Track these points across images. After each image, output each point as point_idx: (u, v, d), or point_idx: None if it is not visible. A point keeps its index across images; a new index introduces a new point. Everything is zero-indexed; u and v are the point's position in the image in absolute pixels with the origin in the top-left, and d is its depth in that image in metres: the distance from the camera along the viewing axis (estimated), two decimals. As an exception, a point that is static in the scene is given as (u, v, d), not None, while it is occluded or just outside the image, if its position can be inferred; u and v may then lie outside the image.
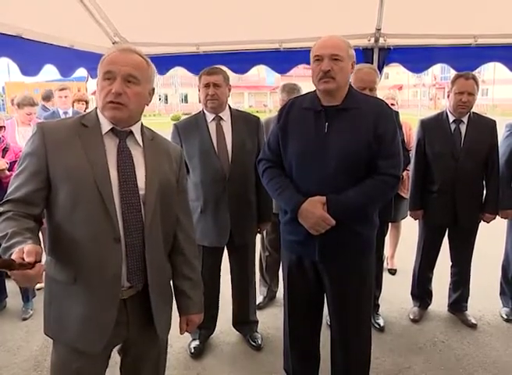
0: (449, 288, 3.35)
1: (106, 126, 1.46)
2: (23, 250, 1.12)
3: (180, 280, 1.66)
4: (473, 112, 3.01)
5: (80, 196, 1.38)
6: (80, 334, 1.44)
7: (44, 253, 1.26)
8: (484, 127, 2.99)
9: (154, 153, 1.54)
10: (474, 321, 3.21)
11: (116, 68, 1.40)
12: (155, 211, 1.49)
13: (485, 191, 3.06)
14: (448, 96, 3.04)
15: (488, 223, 3.10)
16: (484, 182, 3.05)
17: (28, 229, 1.27)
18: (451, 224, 3.06)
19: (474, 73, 3.21)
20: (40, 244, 1.23)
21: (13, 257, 1.11)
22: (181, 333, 1.71)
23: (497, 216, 3.11)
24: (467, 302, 3.30)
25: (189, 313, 1.68)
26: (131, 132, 1.50)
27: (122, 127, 1.48)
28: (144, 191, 1.46)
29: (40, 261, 1.13)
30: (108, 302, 1.44)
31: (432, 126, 3.07)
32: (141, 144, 1.52)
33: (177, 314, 1.70)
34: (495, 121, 3.04)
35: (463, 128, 2.97)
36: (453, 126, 2.99)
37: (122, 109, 1.42)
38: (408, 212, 3.33)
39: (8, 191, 1.38)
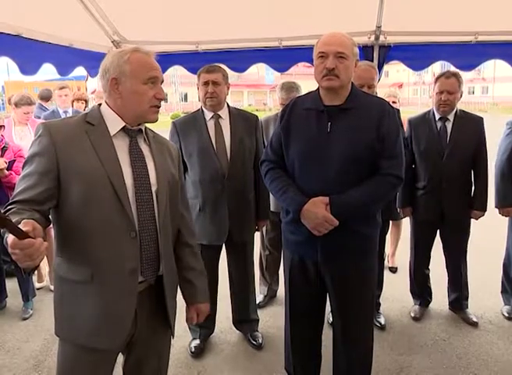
0: (448, 287, 3.35)
1: (116, 125, 1.49)
2: (21, 223, 1.10)
3: (188, 271, 1.72)
4: (460, 110, 3.02)
5: (93, 193, 1.39)
6: (98, 333, 1.44)
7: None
8: (470, 124, 2.99)
9: (159, 150, 1.60)
10: (475, 319, 3.20)
11: (159, 74, 1.51)
12: (166, 206, 1.54)
13: (473, 188, 3.05)
14: (432, 96, 3.05)
15: (476, 220, 3.09)
16: (472, 179, 3.04)
17: (33, 219, 1.21)
18: (439, 221, 3.06)
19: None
20: (44, 239, 1.21)
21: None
22: (191, 323, 1.75)
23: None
24: (467, 300, 3.29)
25: (197, 302, 1.73)
26: (140, 130, 1.55)
27: (133, 126, 1.51)
28: (156, 186, 1.51)
29: (41, 238, 1.10)
30: (126, 298, 1.46)
31: (419, 125, 3.09)
32: (148, 141, 1.57)
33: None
34: (482, 118, 3.04)
35: (449, 126, 2.98)
36: (438, 124, 3.00)
37: (159, 111, 1.56)
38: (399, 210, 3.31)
39: (15, 192, 1.36)
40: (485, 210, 3.05)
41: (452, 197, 2.96)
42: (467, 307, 3.29)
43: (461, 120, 2.98)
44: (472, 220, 3.10)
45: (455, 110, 2.98)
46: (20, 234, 1.05)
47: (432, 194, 3.00)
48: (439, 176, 2.96)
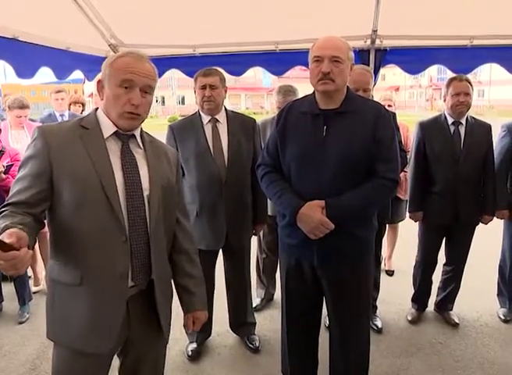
0: (439, 287, 3.35)
1: (109, 129, 1.48)
2: (4, 234, 1.11)
3: (183, 278, 1.69)
4: (469, 116, 3.04)
5: (85, 197, 1.39)
6: (88, 336, 1.44)
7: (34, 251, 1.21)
8: (481, 130, 3.01)
9: (154, 155, 1.58)
10: (456, 320, 3.23)
11: (136, 78, 1.43)
12: (159, 211, 1.53)
13: (482, 193, 3.06)
14: (444, 100, 3.05)
15: (486, 224, 3.10)
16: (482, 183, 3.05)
17: (23, 224, 1.23)
18: (452, 224, 3.05)
19: (470, 74, 3.22)
20: (34, 243, 1.22)
21: None
22: (188, 331, 1.72)
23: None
24: (453, 303, 3.30)
25: (195, 310, 1.70)
26: (133, 135, 1.54)
27: (125, 131, 1.50)
28: (149, 191, 1.50)
29: (26, 248, 1.10)
30: (116, 302, 1.46)
31: (432, 128, 3.08)
32: (142, 146, 1.56)
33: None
34: (490, 124, 3.06)
35: (462, 130, 2.99)
36: (452, 128, 3.01)
37: (138, 119, 1.49)
38: (407, 214, 3.32)
39: (10, 195, 1.37)
40: (495, 214, 3.08)
41: (467, 200, 2.97)
42: (452, 309, 3.31)
43: (473, 125, 3.00)
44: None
45: (466, 115, 3.00)
46: (3, 247, 1.06)
47: (448, 198, 2.99)
48: (454, 180, 2.96)
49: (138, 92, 1.44)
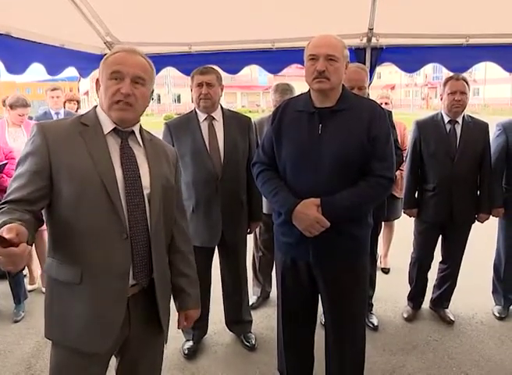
0: (434, 285, 3.36)
1: (108, 125, 1.48)
2: (4, 228, 1.09)
3: (178, 278, 1.69)
4: (467, 115, 3.05)
5: (85, 194, 1.38)
6: (87, 335, 1.43)
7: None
8: (477, 129, 3.02)
9: (154, 153, 1.58)
10: (452, 318, 3.24)
11: (125, 69, 1.43)
12: (160, 209, 1.52)
13: (478, 192, 3.08)
14: (441, 98, 3.07)
15: (482, 222, 3.12)
16: (478, 182, 3.07)
17: (21, 220, 1.21)
18: (447, 222, 3.07)
19: (465, 72, 3.24)
20: (33, 240, 1.21)
21: None
22: (179, 328, 1.75)
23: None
24: (449, 301, 3.32)
25: (188, 309, 1.71)
26: (132, 132, 1.53)
27: (124, 127, 1.50)
28: (149, 189, 1.50)
29: (25, 243, 1.09)
30: (116, 301, 1.45)
31: (428, 127, 3.10)
32: (142, 144, 1.55)
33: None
34: (487, 123, 3.07)
35: (458, 129, 3.00)
36: (448, 127, 3.02)
37: (130, 110, 1.46)
38: (402, 211, 3.33)
39: (8, 192, 1.35)
40: (491, 213, 3.10)
41: (461, 198, 2.98)
42: (447, 307, 3.32)
43: (469, 124, 3.01)
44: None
45: (463, 114, 3.01)
46: (2, 242, 1.05)
47: (442, 196, 3.00)
48: (449, 178, 2.97)
49: (128, 82, 1.43)
